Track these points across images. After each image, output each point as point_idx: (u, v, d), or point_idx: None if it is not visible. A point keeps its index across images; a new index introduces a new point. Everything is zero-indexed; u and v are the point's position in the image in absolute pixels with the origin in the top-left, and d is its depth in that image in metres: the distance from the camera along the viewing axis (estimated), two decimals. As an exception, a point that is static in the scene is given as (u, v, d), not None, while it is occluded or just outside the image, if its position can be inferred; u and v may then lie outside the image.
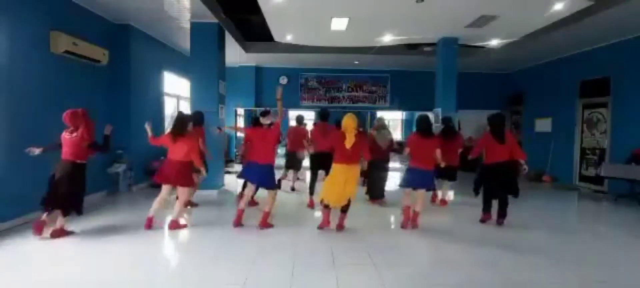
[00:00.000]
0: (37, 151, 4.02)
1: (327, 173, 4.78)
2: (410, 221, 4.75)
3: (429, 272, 3.44)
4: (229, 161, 10.28)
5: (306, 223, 4.90)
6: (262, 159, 4.48)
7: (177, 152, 4.42)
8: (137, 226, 4.51)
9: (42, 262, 3.49)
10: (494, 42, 7.79)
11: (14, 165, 4.51)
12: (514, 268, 3.53)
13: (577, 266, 3.62)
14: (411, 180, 4.69)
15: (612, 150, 7.38)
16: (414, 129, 4.90)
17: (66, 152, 4.03)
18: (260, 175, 4.52)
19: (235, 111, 11.25)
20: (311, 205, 5.72)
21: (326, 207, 4.53)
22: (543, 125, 9.48)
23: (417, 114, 5.30)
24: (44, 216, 4.03)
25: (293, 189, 7.23)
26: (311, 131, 6.69)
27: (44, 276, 3.16)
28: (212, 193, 6.70)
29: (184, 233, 4.49)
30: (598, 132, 7.83)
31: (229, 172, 9.14)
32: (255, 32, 7.92)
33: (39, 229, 3.96)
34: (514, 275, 3.37)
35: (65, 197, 3.98)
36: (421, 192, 4.72)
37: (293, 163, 7.15)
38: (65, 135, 4.05)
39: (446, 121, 6.22)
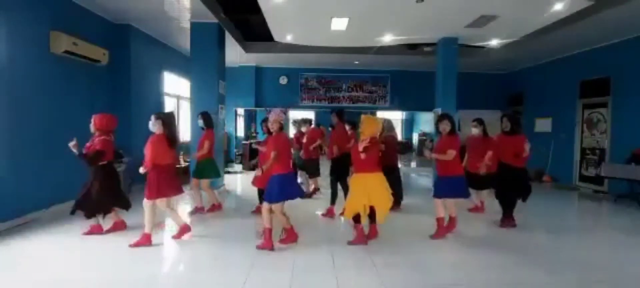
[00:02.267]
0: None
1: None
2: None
3: (429, 273, 3.44)
4: (229, 161, 10.29)
5: (306, 223, 4.89)
6: (289, 168, 3.99)
7: (173, 156, 4.10)
8: (137, 226, 4.50)
9: (42, 262, 3.49)
10: (494, 42, 7.79)
11: (14, 165, 4.51)
12: (514, 268, 3.53)
13: (577, 266, 3.62)
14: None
15: (612, 150, 7.38)
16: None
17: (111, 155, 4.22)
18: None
19: (235, 111, 11.26)
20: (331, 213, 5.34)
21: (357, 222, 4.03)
22: (543, 125, 9.48)
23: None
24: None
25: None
26: (333, 133, 5.86)
27: (44, 276, 3.16)
28: (212, 193, 6.70)
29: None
30: (598, 132, 7.83)
31: (228, 172, 9.14)
32: (255, 32, 7.93)
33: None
34: (513, 275, 3.37)
35: None
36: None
37: (316, 169, 6.68)
38: (109, 139, 4.13)
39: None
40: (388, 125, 5.35)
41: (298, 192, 3.94)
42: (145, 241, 3.91)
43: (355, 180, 3.99)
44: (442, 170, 4.30)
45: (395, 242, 4.28)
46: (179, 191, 4.08)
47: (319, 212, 5.48)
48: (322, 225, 5.01)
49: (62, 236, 4.22)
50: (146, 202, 3.90)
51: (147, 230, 3.94)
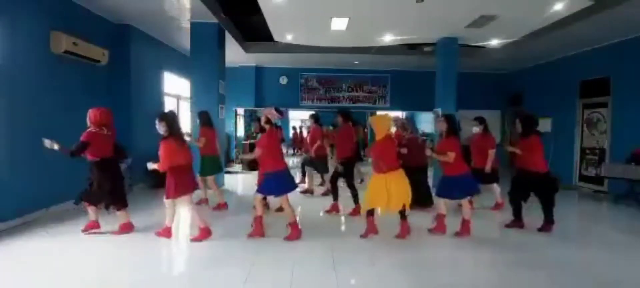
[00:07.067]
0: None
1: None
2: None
3: (430, 272, 3.44)
4: (229, 161, 10.28)
5: (306, 223, 4.89)
6: (282, 165, 4.19)
7: (187, 155, 4.17)
8: (138, 226, 4.50)
9: (42, 262, 3.49)
10: (494, 42, 7.79)
11: (14, 164, 4.51)
12: (514, 268, 3.53)
13: (576, 266, 3.62)
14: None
15: (612, 150, 7.37)
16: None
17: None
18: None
19: (235, 111, 11.25)
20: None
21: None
22: (543, 125, 9.44)
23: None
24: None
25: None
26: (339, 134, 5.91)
27: (44, 276, 3.16)
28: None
29: (184, 233, 4.49)
30: (598, 132, 7.83)
31: (229, 172, 9.14)
32: (255, 32, 7.92)
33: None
34: (513, 275, 3.37)
35: None
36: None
37: (325, 167, 6.88)
38: (96, 132, 4.07)
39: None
40: (410, 125, 5.59)
41: (293, 186, 4.22)
42: (166, 233, 4.17)
43: (376, 180, 4.09)
44: (445, 170, 4.36)
45: (397, 242, 4.27)
46: (194, 187, 4.22)
47: (324, 210, 5.53)
48: (322, 222, 5.01)
49: (62, 236, 4.22)
50: (167, 201, 4.09)
51: (167, 223, 4.18)
